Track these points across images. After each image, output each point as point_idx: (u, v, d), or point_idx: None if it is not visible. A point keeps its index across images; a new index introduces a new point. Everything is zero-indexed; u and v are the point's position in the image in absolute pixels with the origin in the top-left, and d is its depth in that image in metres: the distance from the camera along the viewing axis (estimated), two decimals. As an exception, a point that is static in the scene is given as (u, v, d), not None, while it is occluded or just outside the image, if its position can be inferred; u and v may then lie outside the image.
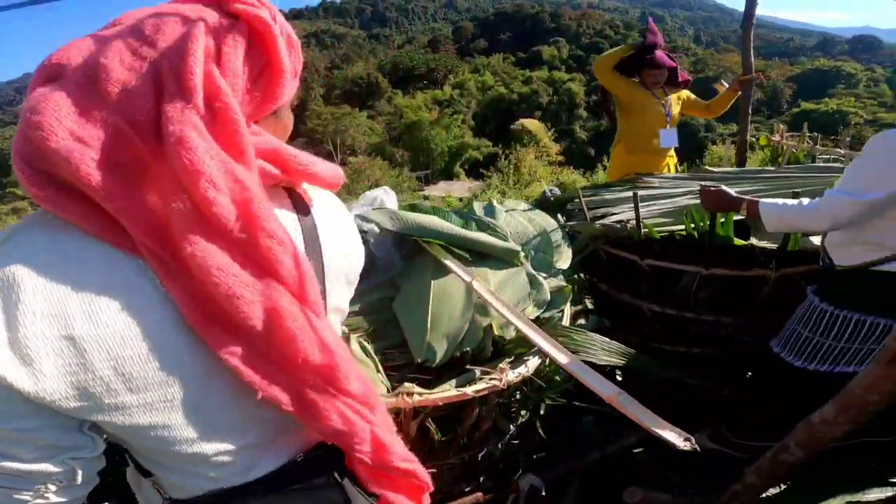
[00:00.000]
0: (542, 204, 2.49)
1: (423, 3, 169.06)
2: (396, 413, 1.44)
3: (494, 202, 2.35)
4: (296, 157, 0.60)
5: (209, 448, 0.57)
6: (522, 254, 2.01)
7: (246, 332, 0.52)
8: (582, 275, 2.54)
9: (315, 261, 0.62)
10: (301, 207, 0.64)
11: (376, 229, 2.27)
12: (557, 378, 1.81)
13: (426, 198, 16.49)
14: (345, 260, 0.69)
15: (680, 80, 3.43)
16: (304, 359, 0.54)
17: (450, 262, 1.99)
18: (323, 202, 0.69)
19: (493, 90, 52.89)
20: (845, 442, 1.65)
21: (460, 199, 12.85)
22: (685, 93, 3.48)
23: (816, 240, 1.61)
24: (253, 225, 0.51)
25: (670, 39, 78.31)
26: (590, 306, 2.72)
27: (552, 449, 2.16)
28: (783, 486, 1.57)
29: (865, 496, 1.43)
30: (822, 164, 2.70)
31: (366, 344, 1.73)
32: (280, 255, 0.52)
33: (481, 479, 1.91)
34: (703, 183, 1.74)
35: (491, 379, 1.40)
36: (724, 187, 1.59)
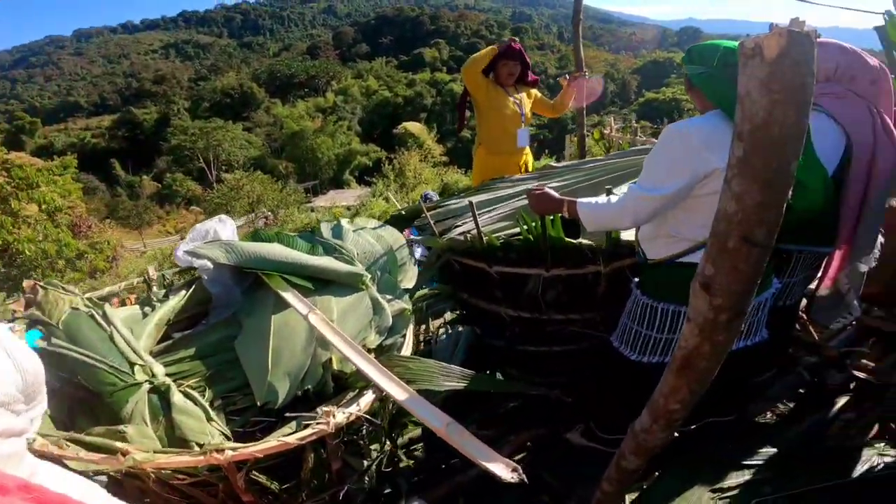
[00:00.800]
0: (395, 219, 2.40)
1: (301, 10, 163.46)
2: (213, 469, 1.31)
3: (343, 222, 2.22)
4: None
5: None
6: (369, 276, 1.90)
7: None
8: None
9: None
10: None
11: (209, 265, 2.05)
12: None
13: (312, 210, 15.85)
14: None
15: (529, 79, 3.55)
16: None
17: (289, 295, 1.84)
18: None
19: (377, 94, 52.66)
20: (694, 425, 1.77)
21: (348, 208, 12.50)
22: (534, 91, 3.61)
23: (631, 234, 1.68)
24: None
25: (538, 37, 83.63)
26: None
27: (435, 468, 2.08)
28: (650, 482, 1.63)
29: (726, 482, 1.51)
30: (637, 148, 2.94)
31: (193, 392, 1.57)
32: None
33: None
34: (528, 186, 1.75)
35: (317, 423, 1.28)
36: (547, 189, 1.60)
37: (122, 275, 11.12)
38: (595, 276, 1.84)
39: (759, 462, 1.59)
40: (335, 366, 1.65)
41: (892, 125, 1.66)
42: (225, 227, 2.34)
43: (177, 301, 2.06)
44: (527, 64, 3.48)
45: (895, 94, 1.69)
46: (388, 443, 1.86)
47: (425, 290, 3.39)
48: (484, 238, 1.80)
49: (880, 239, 1.73)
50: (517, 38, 3.57)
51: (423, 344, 2.86)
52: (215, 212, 18.01)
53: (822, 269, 1.88)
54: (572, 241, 1.73)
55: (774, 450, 1.62)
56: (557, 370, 2.25)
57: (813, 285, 1.97)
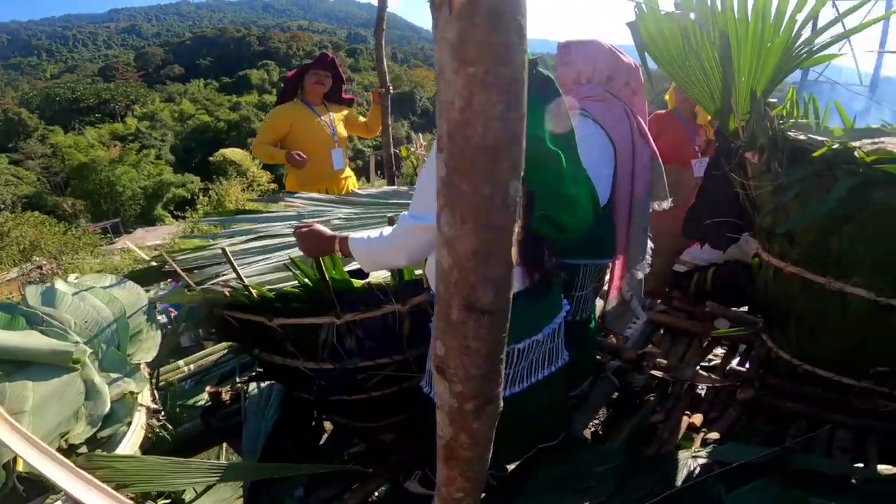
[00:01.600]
0: (144, 273, 1.88)
1: (92, 30, 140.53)
2: None
3: (59, 285, 1.63)
4: None
5: None
6: (89, 351, 1.38)
7: None
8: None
9: None
10: None
11: None
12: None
13: (113, 253, 13.23)
14: None
15: (344, 97, 3.29)
16: None
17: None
18: None
19: (194, 119, 47.55)
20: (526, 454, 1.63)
21: (155, 249, 10.67)
22: (347, 111, 3.35)
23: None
24: None
25: (373, 58, 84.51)
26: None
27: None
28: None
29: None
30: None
31: None
32: None
33: None
34: (294, 225, 1.45)
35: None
36: (316, 226, 1.31)
37: None
38: (394, 317, 1.60)
39: (596, 484, 1.52)
40: (20, 467, 1.20)
41: (645, 127, 1.67)
42: None
43: None
44: (340, 79, 3.22)
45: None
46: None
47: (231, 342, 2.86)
48: (252, 289, 1.43)
49: (650, 244, 1.82)
50: (330, 53, 3.35)
51: (231, 402, 2.39)
52: (-37, 270, 13.87)
53: (607, 280, 1.93)
54: (359, 281, 1.46)
55: (608, 465, 1.57)
56: (384, 415, 1.99)
57: (605, 289, 2.02)
